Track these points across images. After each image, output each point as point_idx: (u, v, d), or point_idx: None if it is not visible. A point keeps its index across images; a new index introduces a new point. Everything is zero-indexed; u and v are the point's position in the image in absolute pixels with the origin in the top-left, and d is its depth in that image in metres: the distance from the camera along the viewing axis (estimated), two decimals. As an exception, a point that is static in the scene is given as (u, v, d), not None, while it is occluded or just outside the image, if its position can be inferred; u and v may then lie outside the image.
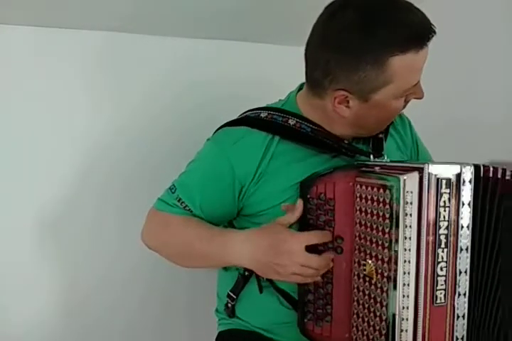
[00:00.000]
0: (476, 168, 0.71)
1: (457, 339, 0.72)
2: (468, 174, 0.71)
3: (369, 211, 0.77)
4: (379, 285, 0.75)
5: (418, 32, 0.77)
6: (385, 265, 0.73)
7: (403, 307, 0.70)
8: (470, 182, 0.71)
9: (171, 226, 0.88)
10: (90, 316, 1.16)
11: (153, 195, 0.93)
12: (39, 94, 1.08)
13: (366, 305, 0.78)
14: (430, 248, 0.69)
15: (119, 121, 1.17)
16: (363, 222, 0.79)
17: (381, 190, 0.74)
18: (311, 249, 0.79)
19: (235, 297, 0.92)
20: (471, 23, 1.21)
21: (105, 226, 1.16)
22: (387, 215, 0.73)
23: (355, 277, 0.81)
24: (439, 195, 0.69)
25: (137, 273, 1.19)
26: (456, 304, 0.71)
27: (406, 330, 0.70)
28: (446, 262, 0.70)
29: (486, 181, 0.72)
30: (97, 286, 1.16)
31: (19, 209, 1.08)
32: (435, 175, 0.69)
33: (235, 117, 0.95)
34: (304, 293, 0.84)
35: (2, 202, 1.07)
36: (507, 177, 0.74)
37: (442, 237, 0.70)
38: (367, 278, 0.78)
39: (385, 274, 0.73)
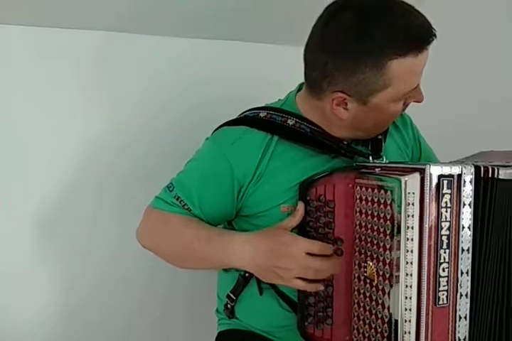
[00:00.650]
0: (477, 168, 0.72)
1: (459, 340, 0.72)
2: (468, 174, 0.71)
3: (369, 213, 0.77)
4: (380, 287, 0.74)
5: (418, 35, 0.77)
6: (387, 267, 0.73)
7: (406, 309, 0.70)
8: (471, 182, 0.71)
9: (170, 225, 0.87)
10: (90, 316, 1.15)
11: (151, 194, 0.93)
12: (38, 94, 1.08)
13: (367, 307, 0.78)
14: (432, 249, 0.69)
15: (117, 120, 1.16)
16: (364, 224, 0.79)
17: (382, 192, 0.74)
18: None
19: (234, 298, 0.91)
20: (470, 25, 1.21)
21: (104, 226, 1.15)
22: (389, 217, 0.73)
23: (356, 279, 0.80)
24: (440, 195, 0.69)
25: (137, 273, 1.18)
26: (458, 305, 0.71)
27: (409, 332, 0.70)
28: (448, 263, 0.70)
29: (487, 181, 0.72)
30: (97, 286, 1.15)
31: (17, 209, 1.07)
32: (436, 176, 0.69)
33: (234, 117, 0.94)
34: (305, 295, 0.83)
35: (0, 201, 1.06)
36: (507, 177, 0.74)
37: (444, 238, 0.70)
38: (368, 280, 0.77)
39: (387, 276, 0.73)
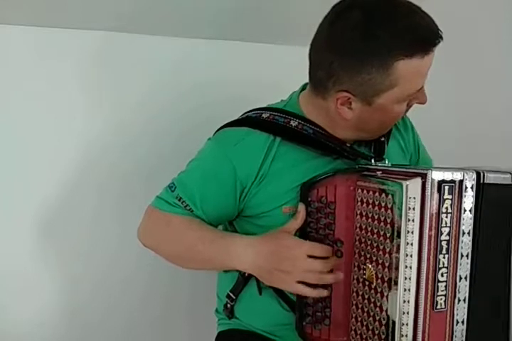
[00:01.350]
0: (478, 174, 0.72)
1: (456, 344, 0.73)
2: (470, 180, 0.71)
3: (370, 215, 0.77)
4: (379, 289, 0.75)
5: (425, 37, 0.76)
6: (386, 270, 0.73)
7: (403, 313, 0.70)
8: (472, 188, 0.71)
9: (172, 225, 0.87)
10: (91, 316, 1.16)
11: (152, 194, 0.92)
12: (38, 94, 1.08)
13: (365, 309, 0.78)
14: (432, 254, 0.69)
15: (118, 121, 1.16)
16: (364, 227, 0.79)
17: (383, 195, 0.74)
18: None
19: (234, 297, 0.92)
20: (471, 23, 1.20)
21: (105, 226, 1.16)
22: (389, 220, 0.73)
23: (355, 281, 0.81)
24: (441, 201, 0.69)
25: (137, 273, 1.18)
26: (455, 309, 0.72)
27: (406, 335, 0.71)
28: (447, 268, 0.70)
29: (488, 187, 0.72)
30: (98, 286, 1.16)
31: (18, 209, 1.08)
32: (438, 181, 0.69)
33: (234, 117, 0.94)
34: (303, 295, 0.84)
35: (1, 201, 1.06)
36: (508, 183, 0.74)
37: (444, 243, 0.70)
38: (366, 282, 0.78)
39: (386, 279, 0.73)
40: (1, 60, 1.04)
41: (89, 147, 1.13)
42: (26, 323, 1.10)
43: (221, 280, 1.00)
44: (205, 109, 1.22)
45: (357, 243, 0.80)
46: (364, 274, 0.78)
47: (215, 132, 0.93)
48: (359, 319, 0.80)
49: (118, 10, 1.06)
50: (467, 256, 0.72)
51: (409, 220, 0.70)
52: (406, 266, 0.70)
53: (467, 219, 0.71)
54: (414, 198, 0.69)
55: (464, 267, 0.72)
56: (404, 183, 0.70)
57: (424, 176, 0.69)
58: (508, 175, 0.74)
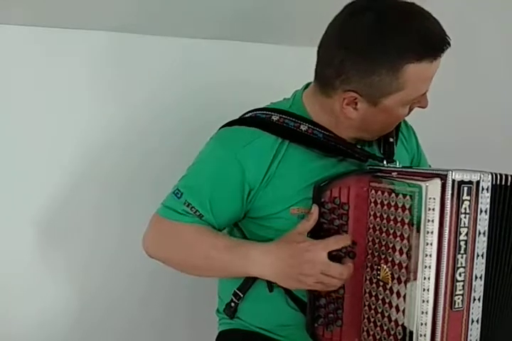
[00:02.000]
0: (494, 176, 0.73)
1: (471, 343, 0.74)
2: (487, 181, 0.73)
3: (385, 216, 0.78)
4: (395, 289, 0.75)
5: (435, 42, 0.78)
6: (403, 270, 0.74)
7: (422, 312, 0.71)
8: (488, 189, 0.73)
9: (184, 235, 0.85)
10: (92, 315, 1.14)
11: (156, 195, 0.91)
12: (39, 94, 1.06)
13: (379, 310, 0.79)
14: (451, 254, 0.70)
15: (121, 121, 1.14)
16: (378, 227, 0.79)
17: (400, 196, 0.75)
18: (331, 256, 0.79)
19: (241, 295, 0.90)
20: (473, 24, 1.23)
21: (107, 226, 1.14)
22: (407, 221, 0.74)
23: (368, 282, 0.81)
24: (460, 201, 0.71)
25: (139, 273, 1.16)
26: (471, 309, 0.73)
27: (424, 335, 0.71)
28: (464, 268, 0.71)
29: (504, 189, 0.74)
30: (99, 286, 1.14)
31: (21, 209, 1.05)
32: (458, 182, 0.70)
33: (235, 117, 0.93)
34: (315, 297, 0.84)
35: (3, 201, 1.04)
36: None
37: (462, 243, 0.71)
38: (381, 283, 0.78)
39: (403, 279, 0.74)
40: (1, 60, 1.02)
41: (92, 147, 1.12)
42: (28, 324, 1.07)
43: (223, 281, 0.98)
44: (205, 109, 1.21)
45: (370, 244, 0.81)
46: (378, 275, 0.79)
47: (219, 130, 0.91)
48: (372, 320, 0.80)
49: (121, 11, 1.06)
50: (482, 255, 0.73)
51: (428, 221, 0.71)
52: (425, 266, 0.71)
53: (483, 219, 0.73)
54: (434, 199, 0.70)
55: (480, 267, 0.73)
56: (424, 184, 0.71)
57: (443, 177, 0.70)
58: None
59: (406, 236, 0.74)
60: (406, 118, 1.00)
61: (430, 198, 0.70)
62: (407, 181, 0.75)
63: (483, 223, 0.73)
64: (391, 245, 0.76)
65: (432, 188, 0.71)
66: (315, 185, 0.84)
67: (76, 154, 1.11)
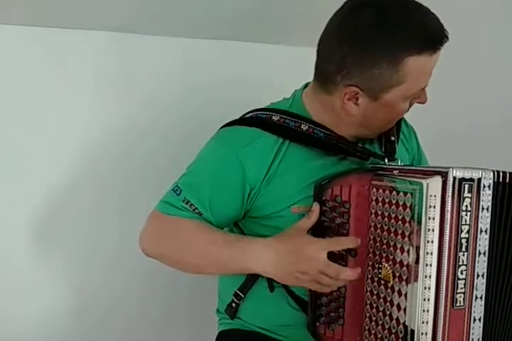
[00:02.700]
0: (496, 173, 0.73)
1: (473, 341, 0.73)
2: (488, 179, 0.72)
3: (386, 214, 0.78)
4: (396, 288, 0.75)
5: (434, 35, 0.79)
6: (404, 268, 0.73)
7: (423, 311, 0.71)
8: (489, 187, 0.72)
9: (182, 231, 0.84)
10: (92, 314, 1.14)
11: (155, 194, 0.90)
12: (39, 94, 1.06)
13: (381, 308, 0.78)
14: (452, 252, 0.70)
15: (121, 121, 1.15)
16: (379, 225, 0.79)
17: (401, 194, 0.75)
18: (332, 254, 0.78)
19: (242, 296, 0.89)
20: (473, 24, 1.23)
21: (106, 225, 1.14)
22: (408, 219, 0.73)
23: (369, 280, 0.81)
24: (461, 199, 0.70)
25: (138, 272, 1.16)
26: (473, 307, 0.72)
27: (426, 333, 0.71)
28: (466, 266, 0.71)
29: (505, 186, 0.73)
30: (98, 286, 1.14)
31: (19, 208, 1.06)
32: (459, 179, 0.70)
33: (235, 117, 0.93)
34: (317, 296, 0.83)
35: (1, 201, 1.04)
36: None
37: (463, 241, 0.71)
38: (382, 282, 0.78)
39: (404, 277, 0.73)
40: (1, 60, 1.02)
41: (92, 147, 1.12)
42: (28, 324, 1.07)
43: (223, 280, 0.98)
44: (205, 110, 1.21)
45: (371, 242, 0.81)
46: (380, 273, 0.78)
47: (219, 130, 0.91)
48: (373, 318, 0.80)
49: (121, 11, 1.06)
50: (484, 253, 0.73)
51: (429, 218, 0.70)
52: (426, 264, 0.70)
53: (484, 217, 0.72)
54: (435, 196, 0.70)
55: (482, 264, 0.73)
56: (425, 182, 0.71)
57: (444, 174, 0.70)
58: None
59: (407, 234, 0.73)
60: (405, 117, 1.01)
61: (431, 195, 0.70)
62: (408, 179, 0.74)
63: (485, 221, 0.72)
64: (392, 243, 0.76)
65: (433, 186, 0.70)
66: (316, 184, 0.83)
67: (76, 154, 1.11)
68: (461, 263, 0.71)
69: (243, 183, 0.84)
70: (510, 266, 0.75)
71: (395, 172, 0.79)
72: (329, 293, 0.82)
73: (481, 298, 0.73)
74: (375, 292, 0.80)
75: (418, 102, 0.87)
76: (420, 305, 0.71)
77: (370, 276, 0.81)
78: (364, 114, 0.84)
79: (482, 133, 1.20)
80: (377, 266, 0.79)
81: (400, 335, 0.74)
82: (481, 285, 0.73)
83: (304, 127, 0.86)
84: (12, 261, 1.05)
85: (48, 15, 1.02)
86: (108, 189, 1.14)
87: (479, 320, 0.73)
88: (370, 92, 0.80)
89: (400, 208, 0.75)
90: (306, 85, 0.92)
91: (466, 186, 0.71)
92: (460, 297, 0.71)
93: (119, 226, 1.14)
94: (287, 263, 0.78)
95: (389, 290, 0.76)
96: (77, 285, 1.13)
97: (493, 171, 0.73)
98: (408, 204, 0.73)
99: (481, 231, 0.72)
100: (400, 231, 0.75)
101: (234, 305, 0.91)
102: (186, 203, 0.84)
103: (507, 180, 0.74)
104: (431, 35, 0.78)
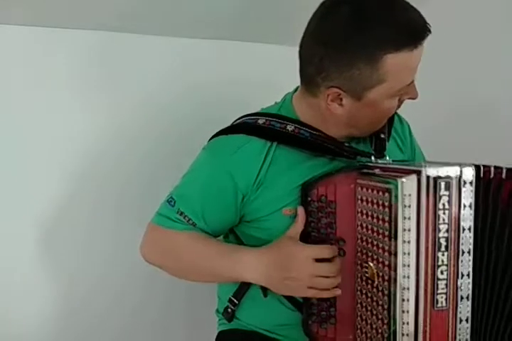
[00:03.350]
0: (477, 168, 0.70)
1: (461, 342, 0.71)
2: (468, 175, 0.69)
3: (370, 213, 0.76)
4: (380, 288, 0.74)
5: (412, 30, 0.75)
6: (386, 268, 0.72)
7: (403, 311, 0.69)
8: (471, 183, 0.69)
9: (177, 243, 0.87)
10: (91, 315, 1.16)
11: (150, 199, 0.93)
12: (39, 95, 1.08)
13: (369, 308, 0.78)
14: (430, 251, 0.68)
15: (117, 121, 1.15)
16: (365, 225, 0.78)
17: (381, 193, 0.73)
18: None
19: (236, 302, 0.91)
20: (473, 24, 1.18)
21: (104, 226, 1.15)
22: (387, 218, 0.72)
23: (358, 279, 0.80)
24: (437, 197, 0.68)
25: (137, 271, 1.16)
26: (458, 308, 0.70)
27: (407, 334, 0.70)
28: (446, 265, 0.69)
29: (488, 182, 0.70)
30: (98, 284, 1.16)
31: (17, 212, 1.07)
32: (433, 178, 0.68)
33: (235, 118, 0.94)
34: (308, 295, 0.84)
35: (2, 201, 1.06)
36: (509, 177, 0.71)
37: (442, 240, 0.69)
38: (369, 281, 0.77)
39: (386, 278, 0.72)
40: (1, 60, 1.04)
41: (92, 147, 1.13)
42: (28, 324, 1.10)
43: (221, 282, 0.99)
44: (204, 109, 1.21)
45: (359, 241, 0.80)
46: (366, 273, 0.78)
47: (209, 140, 0.92)
48: (364, 317, 0.80)
49: (118, 10, 1.07)
50: (469, 252, 0.70)
51: (405, 218, 0.69)
52: (404, 265, 0.69)
53: (467, 214, 0.70)
54: (410, 195, 0.68)
55: (466, 264, 0.70)
56: (400, 180, 0.69)
57: (419, 173, 0.68)
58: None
59: (387, 233, 0.72)
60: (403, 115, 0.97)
61: (406, 195, 0.68)
62: (388, 177, 0.73)
63: (468, 218, 0.70)
64: (375, 243, 0.75)
65: (408, 184, 0.68)
66: (302, 184, 0.84)
67: (75, 153, 1.12)
68: (440, 263, 0.69)
69: (234, 191, 0.85)
70: (497, 264, 0.71)
71: (377, 170, 0.77)
72: (319, 293, 0.83)
73: (467, 298, 0.70)
74: (363, 291, 0.79)
75: (409, 98, 0.84)
76: (400, 305, 0.70)
77: (359, 275, 0.80)
78: (350, 114, 0.82)
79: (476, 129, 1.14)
80: (364, 265, 0.78)
81: (385, 335, 0.73)
82: (466, 285, 0.70)
83: (290, 128, 0.86)
84: (12, 260, 1.08)
85: (47, 15, 1.03)
86: (106, 189, 1.15)
87: (466, 320, 0.70)
88: (352, 93, 0.79)
89: (380, 207, 0.73)
90: (297, 88, 0.91)
91: (443, 184, 0.68)
92: (441, 298, 0.69)
93: (117, 227, 1.16)
94: (277, 273, 0.80)
95: (374, 290, 0.76)
96: (76, 286, 1.14)
97: (475, 166, 0.70)
98: (386, 204, 0.72)
99: (464, 229, 0.70)
100: (381, 231, 0.73)
101: (230, 310, 0.93)
102: (180, 214, 0.87)
103: (491, 175, 0.70)
104: (408, 30, 0.75)
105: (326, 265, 0.79)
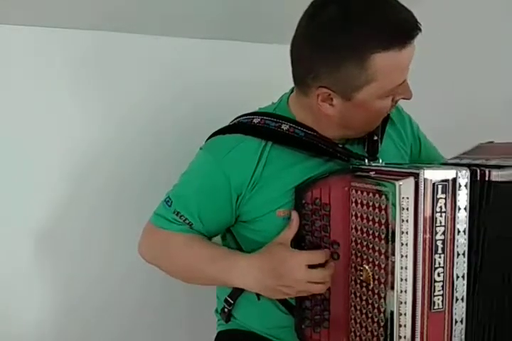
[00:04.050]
0: (472, 171, 0.71)
1: (455, 344, 0.72)
2: (464, 178, 0.70)
3: (365, 216, 0.77)
4: (376, 291, 0.74)
5: (400, 29, 0.75)
6: (382, 271, 0.73)
7: (400, 314, 0.70)
8: (466, 186, 0.70)
9: (173, 244, 0.87)
10: (89, 314, 1.16)
11: (149, 199, 0.92)
12: (39, 95, 1.07)
13: (364, 311, 0.78)
14: (427, 254, 0.69)
15: (115, 121, 1.15)
16: (359, 228, 0.78)
17: (377, 196, 0.73)
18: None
19: (232, 302, 0.91)
20: (469, 22, 1.20)
21: (101, 227, 1.15)
22: (383, 221, 0.72)
23: (352, 282, 0.80)
24: (435, 200, 0.69)
25: (136, 271, 1.17)
26: (453, 309, 0.71)
27: (404, 337, 0.70)
28: (443, 268, 0.70)
29: (483, 185, 0.71)
30: (96, 284, 1.16)
31: (16, 214, 1.07)
32: (431, 180, 0.68)
33: (233, 117, 0.93)
34: (301, 299, 0.83)
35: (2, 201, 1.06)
36: (503, 179, 0.73)
37: (439, 243, 0.69)
38: (364, 284, 0.77)
39: (382, 280, 0.73)
40: (1, 60, 1.03)
41: (92, 146, 1.13)
42: (27, 324, 1.09)
43: None
44: (204, 109, 1.21)
45: (353, 244, 0.80)
46: (361, 275, 0.78)
47: (206, 140, 0.91)
48: (358, 321, 0.79)
49: (118, 10, 1.06)
50: (463, 254, 0.71)
51: (403, 221, 0.69)
52: (402, 267, 0.69)
53: (462, 217, 0.70)
54: (408, 198, 0.69)
55: (461, 266, 0.71)
56: (397, 183, 0.69)
57: (416, 176, 0.69)
58: (507, 172, 0.73)
59: (383, 236, 0.72)
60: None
61: (404, 197, 0.69)
62: (383, 180, 0.73)
63: (462, 221, 0.70)
64: (371, 246, 0.75)
65: (405, 187, 0.69)
66: (296, 187, 0.83)
67: (75, 153, 1.12)
68: (437, 265, 0.69)
69: (229, 191, 0.85)
70: (492, 266, 0.72)
71: (372, 173, 0.77)
72: (313, 297, 0.82)
73: (462, 299, 0.71)
74: (358, 294, 0.79)
75: (403, 98, 0.84)
76: (397, 308, 0.70)
77: (353, 278, 0.80)
78: (341, 115, 0.82)
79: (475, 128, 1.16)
80: (359, 268, 0.78)
81: (381, 338, 0.73)
82: (461, 286, 0.71)
83: (285, 127, 0.86)
84: (12, 260, 1.07)
85: (48, 15, 1.03)
86: (105, 189, 1.15)
87: (461, 321, 0.71)
88: (342, 93, 0.79)
89: (376, 210, 0.73)
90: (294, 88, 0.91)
91: (440, 187, 0.69)
92: (438, 299, 0.70)
93: (116, 227, 1.15)
94: (270, 280, 0.79)
95: (370, 293, 0.76)
96: (75, 285, 1.14)
97: (470, 169, 0.71)
98: (383, 207, 0.72)
99: (459, 232, 0.70)
100: (377, 234, 0.74)
101: (226, 310, 0.93)
102: (177, 214, 0.86)
103: (486, 178, 0.71)
104: (396, 29, 0.74)
105: (319, 271, 0.79)
